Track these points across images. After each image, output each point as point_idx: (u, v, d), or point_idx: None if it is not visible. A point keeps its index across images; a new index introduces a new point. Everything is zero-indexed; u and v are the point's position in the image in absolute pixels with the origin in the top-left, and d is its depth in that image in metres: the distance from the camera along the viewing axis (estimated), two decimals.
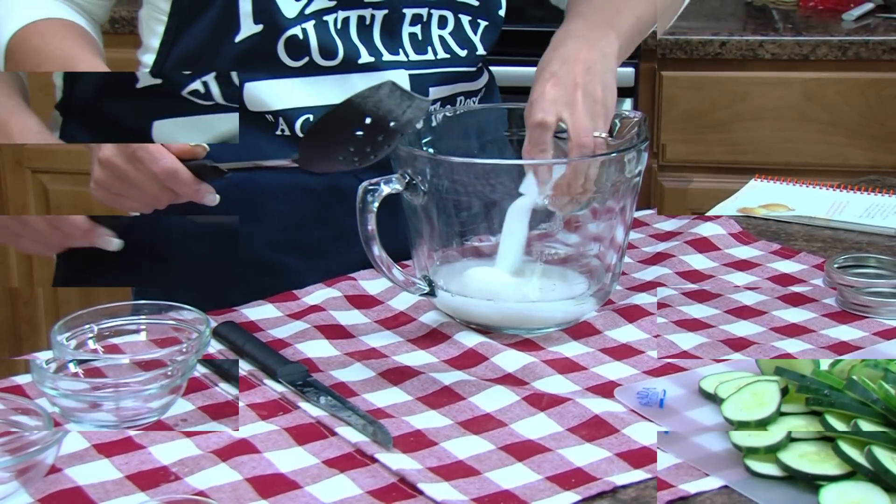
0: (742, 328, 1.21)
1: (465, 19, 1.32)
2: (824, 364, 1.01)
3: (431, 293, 1.17)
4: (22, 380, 1.08)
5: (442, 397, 1.04)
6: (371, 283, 1.27)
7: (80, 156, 2.62)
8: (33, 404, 0.96)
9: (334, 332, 1.17)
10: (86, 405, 0.99)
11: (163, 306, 1.10)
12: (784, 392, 0.97)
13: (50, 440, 0.89)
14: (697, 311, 1.25)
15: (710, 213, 1.54)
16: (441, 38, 1.31)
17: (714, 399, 1.02)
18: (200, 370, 1.10)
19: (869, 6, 2.60)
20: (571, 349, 1.14)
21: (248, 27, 1.24)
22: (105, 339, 1.08)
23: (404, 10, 1.28)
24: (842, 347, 1.16)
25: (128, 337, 1.10)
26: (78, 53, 1.23)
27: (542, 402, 1.02)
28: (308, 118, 1.26)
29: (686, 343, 1.17)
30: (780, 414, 0.95)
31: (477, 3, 1.32)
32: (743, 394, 0.98)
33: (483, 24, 1.33)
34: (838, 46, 2.41)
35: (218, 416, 1.02)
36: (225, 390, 1.07)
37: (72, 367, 1.04)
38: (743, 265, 1.35)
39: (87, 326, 1.08)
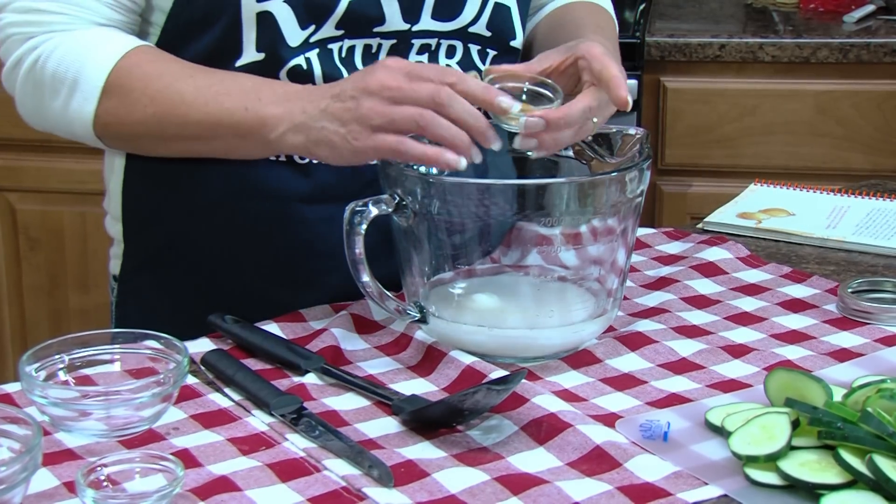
0: (742, 335, 1.24)
1: (474, 49, 1.33)
2: (837, 395, 1.01)
3: (423, 320, 1.17)
4: (11, 388, 1.10)
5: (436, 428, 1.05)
6: (378, 308, 1.27)
7: (49, 174, 2.63)
8: (22, 413, 0.97)
9: (334, 357, 1.18)
10: (76, 414, 1.01)
11: (138, 335, 1.10)
12: (795, 425, 0.98)
13: (16, 479, 0.89)
14: (697, 317, 1.28)
15: (709, 219, 1.57)
16: (448, 67, 1.32)
17: (721, 432, 1.02)
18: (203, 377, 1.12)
19: (870, 8, 2.63)
20: (570, 379, 1.15)
21: (251, 54, 1.25)
22: (76, 370, 1.09)
23: (413, 41, 1.29)
24: (843, 354, 1.19)
25: (101, 367, 1.10)
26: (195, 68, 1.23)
27: (541, 430, 1.03)
28: None
29: (685, 350, 1.19)
30: (790, 448, 0.96)
31: (489, 34, 1.33)
32: (751, 426, 0.99)
33: (492, 53, 1.35)
34: (839, 49, 2.44)
35: (211, 425, 1.04)
36: (228, 396, 1.10)
37: (62, 375, 1.07)
38: (752, 290, 1.36)
39: (58, 357, 1.08)
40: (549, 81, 1.18)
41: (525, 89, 1.18)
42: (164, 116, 1.21)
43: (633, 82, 2.44)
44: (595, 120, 1.18)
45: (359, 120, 1.12)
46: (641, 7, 2.64)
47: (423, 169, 1.25)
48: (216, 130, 1.20)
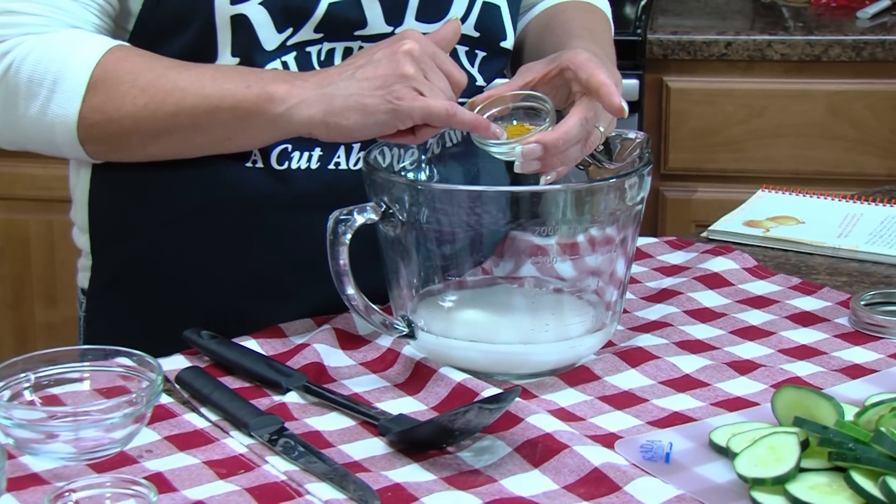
0: (748, 350, 1.25)
1: (461, 50, 1.34)
2: (849, 414, 1.02)
3: (411, 335, 1.18)
4: None
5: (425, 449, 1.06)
6: (363, 321, 1.27)
7: (14, 180, 2.63)
8: None
9: (316, 374, 1.18)
10: (42, 436, 1.01)
11: (109, 352, 1.11)
12: (804, 445, 0.98)
13: None
14: (701, 331, 1.28)
15: (714, 227, 1.58)
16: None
17: (726, 453, 1.03)
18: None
19: (885, 3, 2.63)
20: (567, 397, 1.15)
21: (226, 59, 1.25)
22: (43, 390, 1.09)
23: None
24: (855, 370, 1.20)
25: (69, 386, 1.11)
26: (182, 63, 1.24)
27: (536, 452, 1.03)
28: (286, 148, 1.28)
29: (688, 366, 1.20)
30: (799, 470, 0.97)
31: (477, 35, 1.34)
32: (758, 447, 0.99)
33: (481, 54, 1.36)
34: (852, 47, 2.45)
35: (186, 447, 1.04)
36: (205, 416, 1.10)
37: (27, 395, 1.07)
38: (759, 302, 1.37)
39: (24, 375, 1.08)
40: (536, 93, 1.20)
41: (512, 109, 1.19)
42: (157, 106, 1.20)
43: (634, 82, 2.45)
44: (602, 129, 1.19)
45: (402, 80, 1.15)
46: (643, 2, 2.66)
47: (410, 175, 1.25)
48: (215, 115, 1.20)
